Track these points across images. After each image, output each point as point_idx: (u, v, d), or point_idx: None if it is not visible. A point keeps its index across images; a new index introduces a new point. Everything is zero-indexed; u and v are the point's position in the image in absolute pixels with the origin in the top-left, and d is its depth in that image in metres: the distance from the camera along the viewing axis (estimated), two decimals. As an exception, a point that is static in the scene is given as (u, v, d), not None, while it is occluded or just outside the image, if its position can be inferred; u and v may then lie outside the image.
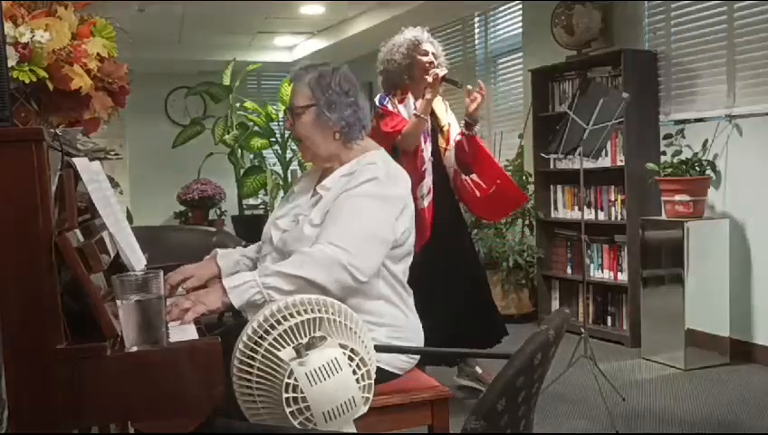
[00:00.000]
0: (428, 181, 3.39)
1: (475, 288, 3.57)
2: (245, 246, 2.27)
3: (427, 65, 3.39)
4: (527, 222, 5.52)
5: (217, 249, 2.17)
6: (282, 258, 1.92)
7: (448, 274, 3.41)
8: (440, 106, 3.52)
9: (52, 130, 1.45)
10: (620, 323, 4.72)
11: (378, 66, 3.51)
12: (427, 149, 3.40)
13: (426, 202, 3.37)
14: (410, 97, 3.45)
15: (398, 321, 1.98)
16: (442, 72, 3.34)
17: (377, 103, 3.41)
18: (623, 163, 4.56)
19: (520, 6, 5.89)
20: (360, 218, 1.85)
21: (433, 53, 3.44)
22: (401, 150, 3.36)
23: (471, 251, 3.71)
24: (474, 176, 3.47)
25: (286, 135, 7.45)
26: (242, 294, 1.75)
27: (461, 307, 3.43)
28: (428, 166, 3.40)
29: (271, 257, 1.99)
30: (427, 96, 3.31)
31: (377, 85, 3.59)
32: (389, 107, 3.40)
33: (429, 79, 3.30)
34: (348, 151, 2.04)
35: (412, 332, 2.02)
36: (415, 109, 3.39)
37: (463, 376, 3.68)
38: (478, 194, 3.47)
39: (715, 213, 4.26)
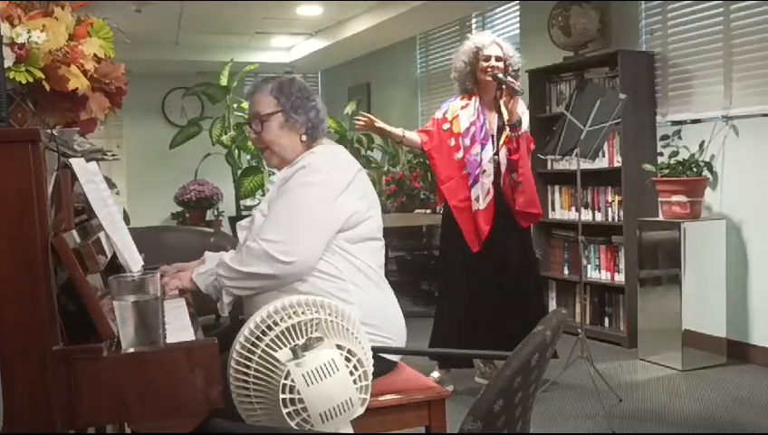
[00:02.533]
0: (486, 183, 3.49)
1: (528, 290, 3.64)
2: None
3: (489, 69, 3.49)
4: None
5: (207, 252, 2.23)
6: None
7: (504, 273, 3.54)
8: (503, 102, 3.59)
9: (49, 131, 1.45)
10: (617, 324, 4.72)
11: (451, 73, 3.67)
12: (487, 151, 3.50)
13: (482, 204, 3.47)
14: (473, 102, 3.55)
15: (367, 303, 1.98)
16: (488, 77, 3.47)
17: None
18: (620, 164, 4.57)
19: (517, 7, 5.89)
20: (287, 207, 1.97)
21: (497, 57, 3.51)
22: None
23: (528, 252, 3.73)
24: (515, 175, 3.55)
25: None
26: (204, 279, 2.04)
27: (512, 308, 3.54)
28: (489, 168, 3.50)
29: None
30: (381, 125, 3.55)
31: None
32: (440, 113, 3.60)
33: (487, 78, 3.46)
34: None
35: (386, 318, 2.03)
36: (479, 114, 3.51)
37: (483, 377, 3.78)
38: (514, 196, 3.56)
39: (711, 214, 4.27)
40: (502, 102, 3.49)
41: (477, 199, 3.47)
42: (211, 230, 5.95)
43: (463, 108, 3.54)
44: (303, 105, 2.12)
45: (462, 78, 3.57)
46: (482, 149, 3.48)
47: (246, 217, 2.32)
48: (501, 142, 3.54)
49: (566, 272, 5.17)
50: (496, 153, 3.52)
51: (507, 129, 3.49)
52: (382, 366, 1.93)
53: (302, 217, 1.94)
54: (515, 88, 3.38)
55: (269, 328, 1.55)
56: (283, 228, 1.93)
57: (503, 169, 3.53)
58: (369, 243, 2.06)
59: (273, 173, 7.50)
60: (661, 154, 4.41)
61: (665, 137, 4.43)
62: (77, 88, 1.67)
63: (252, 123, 2.18)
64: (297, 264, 1.91)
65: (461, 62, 3.54)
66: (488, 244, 3.49)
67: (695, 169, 4.13)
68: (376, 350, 1.78)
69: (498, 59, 3.50)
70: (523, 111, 3.50)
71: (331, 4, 6.44)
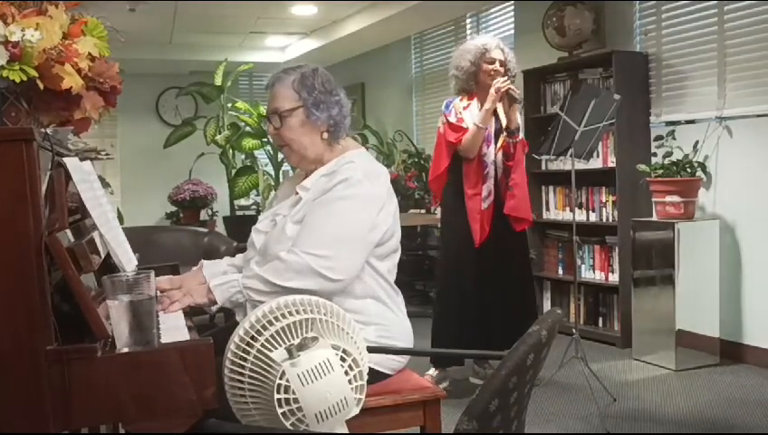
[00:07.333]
0: (490, 184, 3.51)
1: (521, 290, 3.65)
2: (236, 246, 2.28)
3: (493, 73, 3.48)
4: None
5: (204, 260, 2.17)
6: (264, 260, 1.93)
7: (500, 273, 3.56)
8: (502, 108, 3.59)
9: (43, 130, 1.44)
10: (612, 324, 4.73)
11: (449, 70, 3.62)
12: (489, 154, 3.50)
13: (486, 204, 3.50)
14: (475, 102, 3.54)
15: (386, 320, 1.98)
16: (504, 85, 3.39)
17: (443, 109, 3.57)
18: (614, 164, 4.58)
19: (512, 7, 5.90)
20: (331, 221, 1.86)
21: (500, 61, 3.51)
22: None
23: (523, 254, 3.74)
24: (508, 180, 3.56)
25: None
26: (224, 291, 1.87)
27: (506, 307, 3.55)
28: (491, 169, 3.51)
29: (254, 261, 1.99)
30: (486, 106, 3.41)
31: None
32: (452, 115, 3.51)
33: (494, 87, 3.39)
34: (331, 152, 2.04)
35: (401, 331, 2.02)
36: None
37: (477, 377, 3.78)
38: (506, 199, 3.57)
39: (705, 214, 4.28)
40: (500, 108, 3.51)
41: (484, 199, 3.50)
42: (205, 230, 5.94)
43: (465, 108, 3.54)
44: (326, 100, 1.97)
45: (465, 77, 3.53)
46: (486, 148, 3.50)
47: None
48: (498, 145, 3.55)
49: (560, 272, 5.18)
50: (495, 155, 3.54)
51: (505, 134, 3.51)
52: (376, 377, 1.92)
53: (348, 234, 1.86)
54: (515, 96, 3.40)
55: (264, 328, 1.55)
56: (328, 243, 1.82)
57: (499, 172, 3.55)
58: (393, 257, 2.03)
59: (269, 174, 7.54)
60: (655, 154, 4.42)
61: (659, 137, 4.44)
62: (71, 87, 1.67)
63: (271, 119, 2.01)
64: (343, 282, 1.85)
65: (467, 61, 3.51)
66: (488, 244, 3.50)
67: (688, 170, 4.14)
68: (372, 350, 1.78)
69: (501, 63, 3.51)
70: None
71: (326, 4, 6.43)
